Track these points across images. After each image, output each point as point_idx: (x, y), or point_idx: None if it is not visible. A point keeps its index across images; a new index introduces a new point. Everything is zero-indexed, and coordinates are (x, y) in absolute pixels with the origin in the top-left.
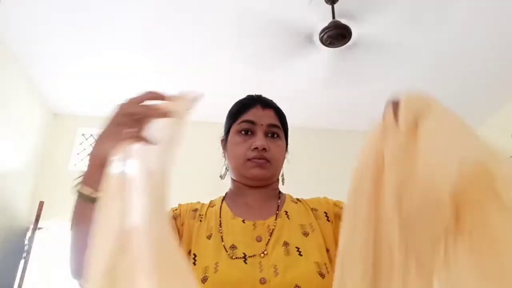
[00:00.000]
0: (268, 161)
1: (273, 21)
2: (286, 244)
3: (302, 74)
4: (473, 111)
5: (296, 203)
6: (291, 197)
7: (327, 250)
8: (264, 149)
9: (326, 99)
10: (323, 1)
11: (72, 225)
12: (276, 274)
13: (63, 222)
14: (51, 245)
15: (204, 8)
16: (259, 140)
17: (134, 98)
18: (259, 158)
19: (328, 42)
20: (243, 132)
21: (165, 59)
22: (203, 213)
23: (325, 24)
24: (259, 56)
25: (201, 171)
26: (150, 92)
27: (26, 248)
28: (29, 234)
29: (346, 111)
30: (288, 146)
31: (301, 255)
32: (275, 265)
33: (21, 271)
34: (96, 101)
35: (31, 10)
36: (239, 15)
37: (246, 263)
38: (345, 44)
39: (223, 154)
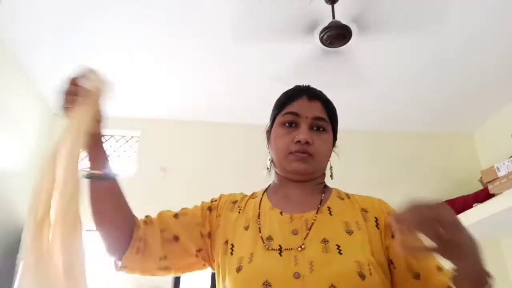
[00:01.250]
0: (310, 155)
1: (272, 20)
2: (325, 241)
3: (301, 74)
4: (473, 111)
5: (343, 199)
6: (338, 192)
7: (373, 254)
8: (307, 142)
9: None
10: (323, 1)
11: (91, 205)
12: (312, 270)
13: None
14: None
15: (201, 9)
16: (302, 133)
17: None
18: (302, 152)
19: (328, 42)
20: (287, 124)
21: (166, 59)
22: (242, 205)
23: (325, 24)
24: (258, 55)
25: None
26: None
27: None
28: None
29: (345, 111)
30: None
31: (341, 254)
32: (311, 261)
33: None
34: None
35: (31, 10)
36: (236, 14)
37: (281, 255)
38: (345, 44)
39: (267, 146)
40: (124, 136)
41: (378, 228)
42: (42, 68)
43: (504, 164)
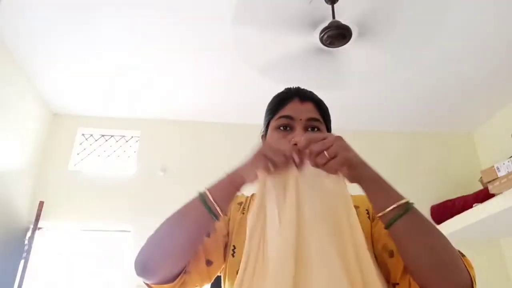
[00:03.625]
0: None
1: (273, 19)
2: None
3: (302, 73)
4: (473, 111)
5: None
6: None
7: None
8: None
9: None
10: (323, 1)
11: (177, 221)
12: None
13: (63, 222)
14: (51, 245)
15: (200, 9)
16: (298, 136)
17: (278, 149)
18: None
19: (328, 42)
20: (281, 128)
21: (165, 59)
22: (246, 206)
23: (325, 24)
24: (258, 55)
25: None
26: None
27: (26, 248)
28: (29, 234)
29: (345, 110)
30: None
31: None
32: None
33: (21, 271)
34: (96, 101)
35: (31, 10)
36: (236, 15)
37: None
38: (345, 44)
39: None
40: (124, 136)
41: (369, 219)
42: (42, 68)
43: (504, 164)
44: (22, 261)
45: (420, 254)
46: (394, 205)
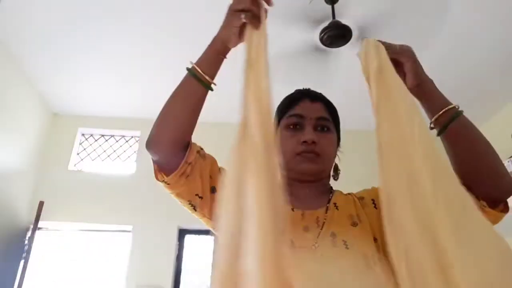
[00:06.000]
0: (318, 154)
1: (272, 20)
2: (333, 235)
3: (301, 73)
4: (473, 111)
5: (346, 195)
6: (341, 192)
7: (375, 240)
8: (313, 142)
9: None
10: (323, 1)
11: (172, 96)
12: None
13: (63, 222)
14: (51, 245)
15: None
16: (307, 133)
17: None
18: (309, 152)
19: (328, 42)
20: (291, 126)
21: (165, 58)
22: None
23: (325, 24)
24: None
25: None
26: None
27: (26, 248)
28: (29, 234)
29: (345, 110)
30: (341, 140)
31: (347, 248)
32: (321, 254)
33: (21, 271)
34: (96, 101)
35: (31, 10)
36: None
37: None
38: (345, 44)
39: None
40: (124, 136)
41: (376, 208)
42: (42, 68)
43: (504, 164)
44: (22, 261)
45: (474, 156)
46: (453, 105)
